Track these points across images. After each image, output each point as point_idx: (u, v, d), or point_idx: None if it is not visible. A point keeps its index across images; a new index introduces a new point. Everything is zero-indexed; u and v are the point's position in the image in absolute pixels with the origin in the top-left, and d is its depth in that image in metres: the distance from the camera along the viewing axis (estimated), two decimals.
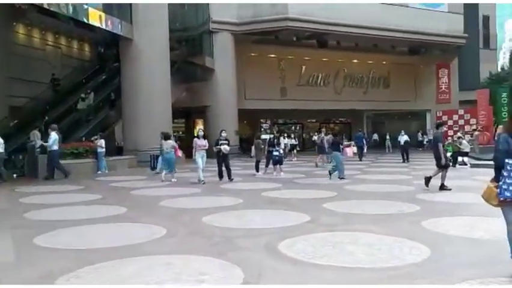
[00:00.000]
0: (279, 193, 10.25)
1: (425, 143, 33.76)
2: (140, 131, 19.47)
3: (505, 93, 25.05)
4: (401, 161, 20.39)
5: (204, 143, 12.46)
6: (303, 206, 8.27)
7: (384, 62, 34.33)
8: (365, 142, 25.38)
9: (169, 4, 21.00)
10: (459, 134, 23.35)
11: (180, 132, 32.11)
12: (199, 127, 13.27)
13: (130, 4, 19.52)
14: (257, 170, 15.23)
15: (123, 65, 20.40)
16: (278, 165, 14.87)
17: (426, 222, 6.41)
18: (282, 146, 19.20)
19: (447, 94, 35.00)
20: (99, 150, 16.26)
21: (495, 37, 42.87)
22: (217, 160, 12.64)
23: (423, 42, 31.09)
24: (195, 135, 15.91)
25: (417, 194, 9.47)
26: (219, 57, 26.64)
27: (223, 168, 12.74)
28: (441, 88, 35.19)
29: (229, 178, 12.57)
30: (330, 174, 13.15)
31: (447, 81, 34.96)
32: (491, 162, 12.35)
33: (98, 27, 17.95)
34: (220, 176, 12.68)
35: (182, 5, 27.05)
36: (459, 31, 31.30)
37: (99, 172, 16.12)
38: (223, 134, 12.83)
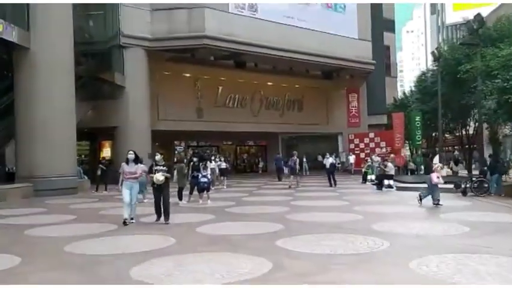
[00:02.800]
0: (216, 227, 8.66)
1: (337, 165, 34.32)
2: (38, 154, 16.61)
3: (419, 117, 26.15)
4: (328, 185, 19.34)
5: (133, 169, 9.33)
6: (253, 245, 6.82)
7: (297, 86, 34.57)
8: (282, 164, 25.80)
9: (73, 14, 18.55)
10: (374, 158, 23.76)
11: (83, 156, 28.97)
12: (129, 149, 9.94)
13: (27, 6, 16.80)
14: (180, 198, 13.44)
15: (17, 76, 17.41)
16: (205, 193, 13.27)
17: (414, 264, 5.33)
18: (209, 170, 17.38)
19: (357, 118, 36.15)
20: None
21: (395, 66, 45.87)
22: (153, 193, 9.60)
23: (335, 67, 31.86)
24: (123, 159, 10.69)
25: (371, 224, 8.52)
26: (130, 74, 24.46)
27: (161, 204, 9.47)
28: (352, 112, 36.30)
29: (165, 219, 9.30)
30: (420, 199, 11.76)
31: (356, 105, 36.17)
32: (416, 185, 12.10)
33: None
34: (158, 213, 9.49)
35: (89, 15, 24.68)
36: (368, 58, 32.66)
37: None
38: (158, 158, 9.62)
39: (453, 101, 23.08)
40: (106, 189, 17.88)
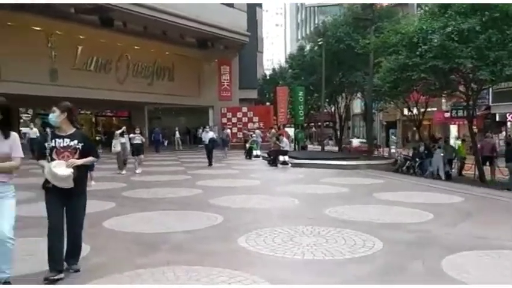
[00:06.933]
0: (132, 222, 6.40)
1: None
2: None
3: (302, 92, 26.08)
4: (207, 164, 16.59)
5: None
6: (210, 249, 4.94)
7: (167, 53, 31.89)
8: (161, 137, 25.70)
9: None
10: (258, 132, 23.10)
11: None
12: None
13: None
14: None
15: None
16: (89, 172, 10.55)
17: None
18: (119, 146, 13.31)
19: (228, 91, 35.10)
20: None
21: (262, 41, 45.97)
22: (46, 206, 4.06)
23: (210, 35, 30.09)
24: None
25: (321, 209, 7.31)
26: None
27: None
28: (223, 85, 35.11)
29: (73, 261, 4.28)
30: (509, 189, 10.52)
31: (228, 78, 35.09)
32: (309, 161, 11.88)
33: None
34: (52, 259, 4.01)
35: None
36: (243, 28, 31.68)
37: None
38: (53, 117, 4.04)
39: (331, 78, 23.48)
40: None
